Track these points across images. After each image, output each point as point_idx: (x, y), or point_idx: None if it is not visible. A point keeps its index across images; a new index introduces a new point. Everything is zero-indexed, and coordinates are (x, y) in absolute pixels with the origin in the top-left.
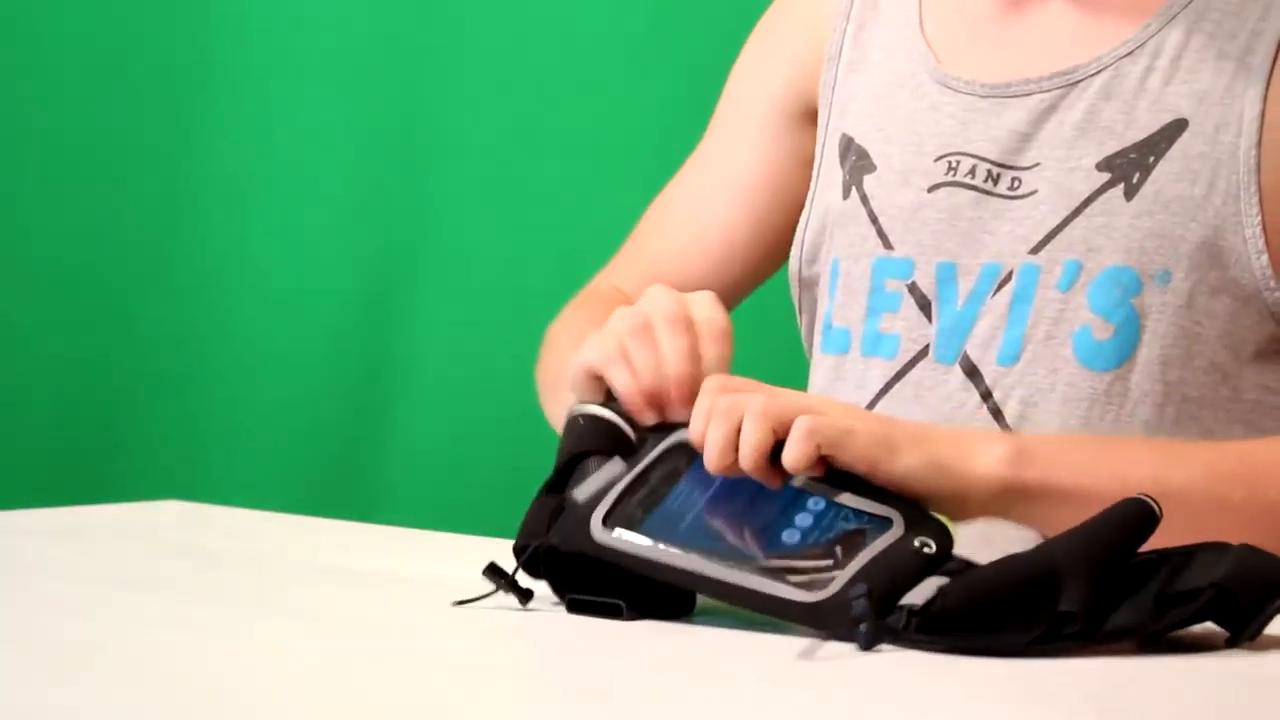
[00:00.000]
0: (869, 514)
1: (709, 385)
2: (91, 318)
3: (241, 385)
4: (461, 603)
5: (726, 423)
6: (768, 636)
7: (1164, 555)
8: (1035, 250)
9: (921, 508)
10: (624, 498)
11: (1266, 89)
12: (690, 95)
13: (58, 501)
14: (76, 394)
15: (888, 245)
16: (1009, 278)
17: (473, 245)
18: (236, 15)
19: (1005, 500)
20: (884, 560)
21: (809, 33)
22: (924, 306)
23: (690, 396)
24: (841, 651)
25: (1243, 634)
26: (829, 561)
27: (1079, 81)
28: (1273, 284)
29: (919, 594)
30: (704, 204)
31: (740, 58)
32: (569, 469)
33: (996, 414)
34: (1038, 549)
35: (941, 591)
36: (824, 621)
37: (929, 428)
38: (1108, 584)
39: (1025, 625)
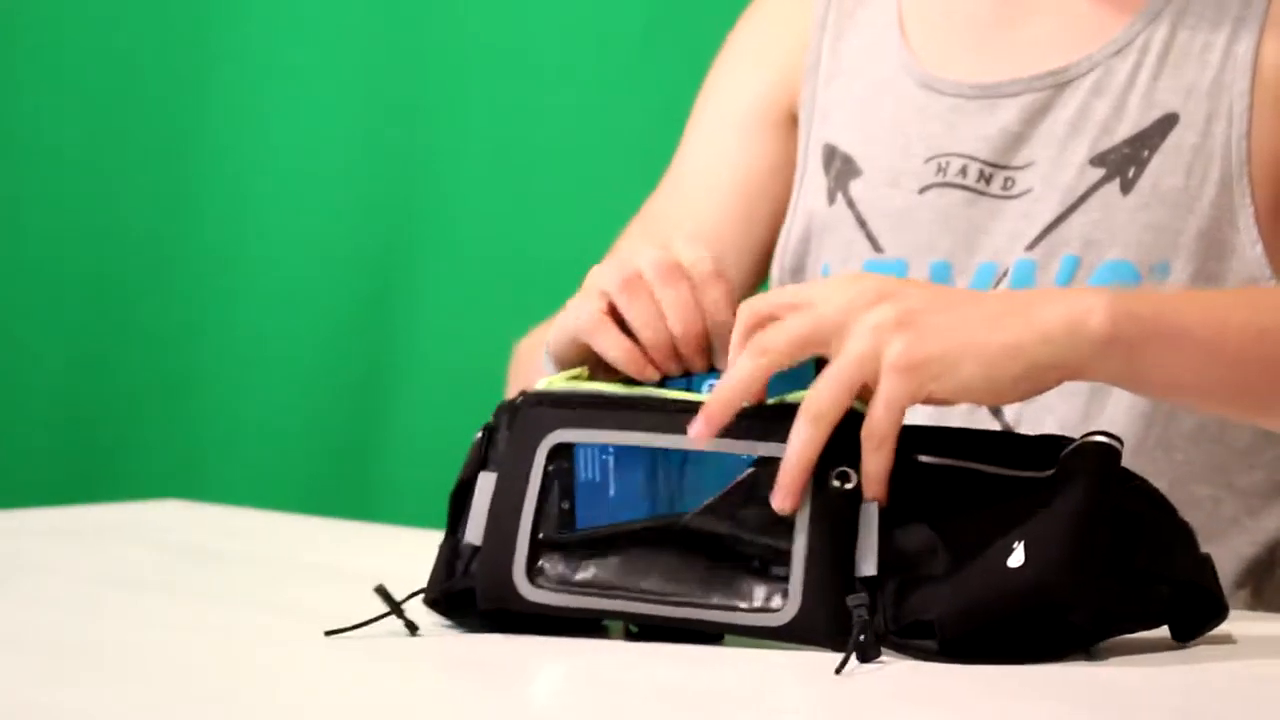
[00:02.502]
0: (761, 456)
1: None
2: (91, 318)
3: (241, 385)
4: (334, 632)
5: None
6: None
7: (1132, 525)
8: (1031, 247)
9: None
10: (535, 535)
11: (1253, 79)
12: (690, 95)
13: (58, 501)
14: (76, 394)
15: (877, 248)
16: (1004, 275)
17: (472, 244)
18: (236, 15)
19: (1100, 355)
20: (818, 524)
21: (787, 41)
22: None
23: (701, 348)
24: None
25: (1193, 634)
26: (762, 541)
27: (1071, 80)
28: (1269, 273)
29: (868, 553)
30: (691, 212)
31: (712, 73)
32: (460, 503)
33: (995, 410)
34: (1031, 566)
35: (940, 622)
36: (800, 636)
37: (1000, 308)
38: (1105, 577)
39: (1030, 643)
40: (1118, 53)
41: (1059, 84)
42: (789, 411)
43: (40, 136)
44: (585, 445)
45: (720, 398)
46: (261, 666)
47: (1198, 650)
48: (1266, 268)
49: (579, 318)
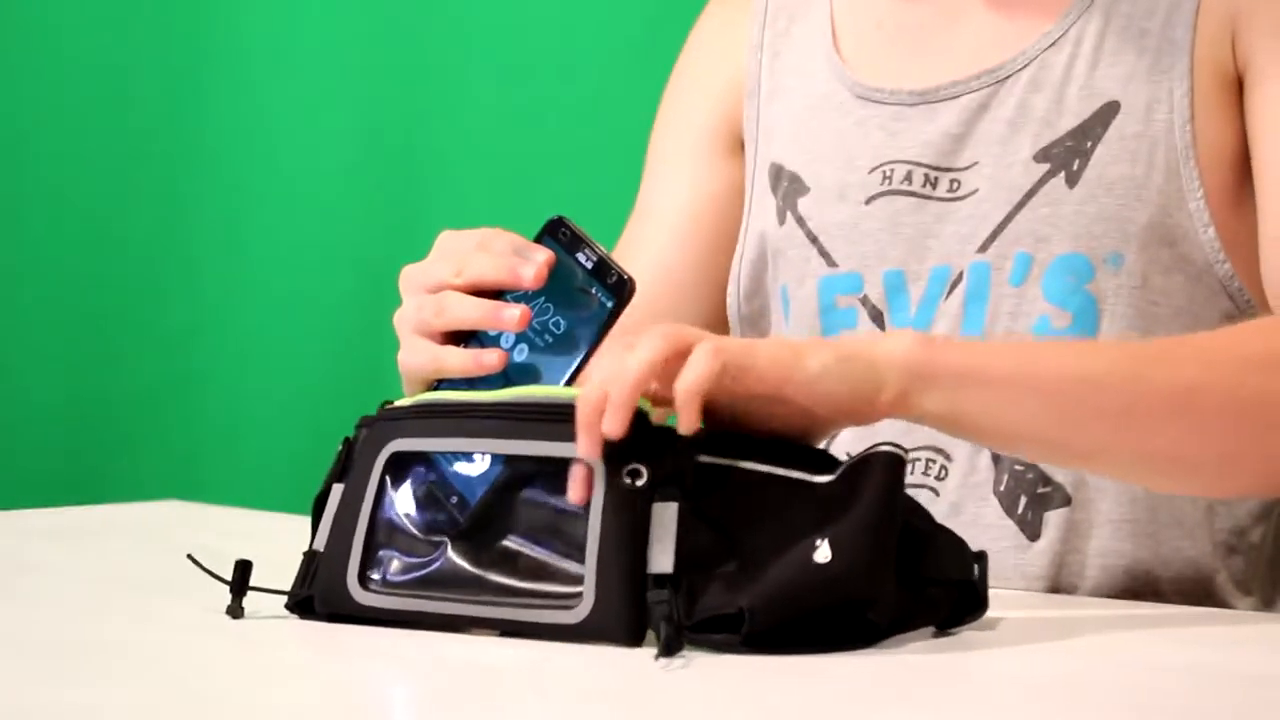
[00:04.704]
0: (556, 458)
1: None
2: (92, 319)
3: (241, 386)
4: (193, 559)
5: (628, 354)
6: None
7: (916, 538)
8: (983, 248)
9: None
10: (369, 542)
11: (1192, 62)
12: None
13: (58, 501)
14: (76, 394)
15: (831, 263)
16: (959, 279)
17: None
18: (233, 18)
19: (918, 385)
20: (610, 523)
21: (725, 67)
22: (877, 318)
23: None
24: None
25: (964, 621)
26: (555, 551)
27: (1006, 78)
28: (1222, 256)
29: (665, 550)
30: (649, 254)
31: (661, 107)
32: (319, 514)
33: None
34: (837, 562)
35: (750, 611)
36: (595, 634)
37: (837, 337)
38: (894, 571)
39: (828, 637)
40: (1052, 45)
41: (995, 81)
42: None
43: (40, 136)
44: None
45: (614, 399)
46: (261, 667)
47: (1199, 651)
48: (1220, 251)
49: (421, 365)
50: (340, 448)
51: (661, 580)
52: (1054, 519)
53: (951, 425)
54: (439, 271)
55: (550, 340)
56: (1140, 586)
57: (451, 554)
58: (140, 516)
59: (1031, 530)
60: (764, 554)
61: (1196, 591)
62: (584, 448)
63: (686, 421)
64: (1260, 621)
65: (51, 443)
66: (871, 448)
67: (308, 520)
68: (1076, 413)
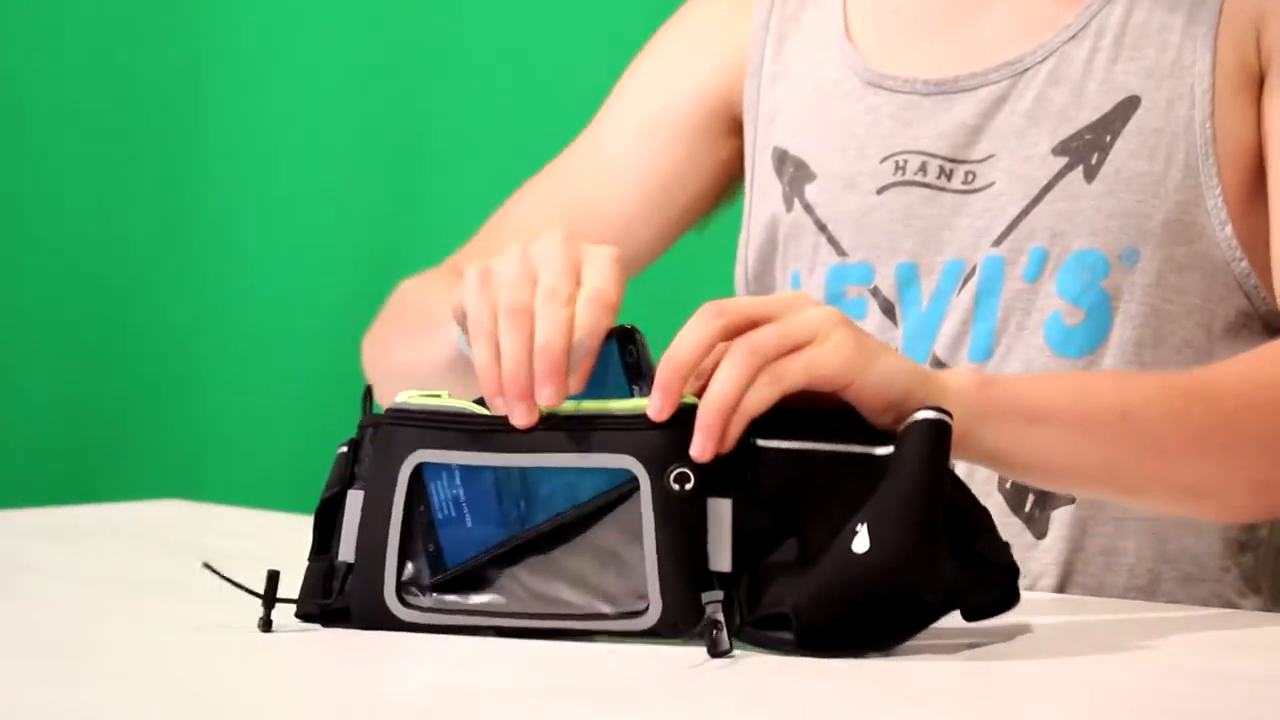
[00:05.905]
0: (600, 469)
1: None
2: (92, 319)
3: (242, 385)
4: (208, 567)
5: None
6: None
7: (965, 515)
8: (998, 242)
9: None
10: (403, 556)
11: (1214, 59)
12: None
13: (58, 501)
14: (76, 394)
15: (840, 252)
16: (972, 273)
17: None
18: (233, 18)
19: (975, 425)
20: (664, 527)
21: (727, 41)
22: (888, 310)
23: (551, 370)
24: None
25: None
26: (620, 548)
27: (1026, 70)
28: (1239, 254)
29: (722, 548)
30: (602, 190)
31: (646, 52)
32: (328, 521)
33: None
34: (876, 550)
35: (795, 613)
36: (666, 635)
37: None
38: (943, 545)
39: (885, 629)
40: (1072, 38)
41: (1014, 74)
42: (627, 421)
43: (40, 136)
44: (436, 483)
45: (713, 406)
46: (261, 667)
47: (1212, 653)
48: (1237, 249)
49: (475, 317)
50: (345, 450)
51: (720, 579)
52: (1060, 516)
53: (1001, 462)
54: (517, 294)
55: None
56: (1145, 584)
57: (496, 567)
58: (140, 516)
59: (1037, 528)
60: (815, 538)
61: (1202, 590)
62: (655, 405)
63: (729, 440)
64: (1272, 624)
65: (51, 443)
66: (918, 410)
67: (308, 520)
68: (1116, 448)
